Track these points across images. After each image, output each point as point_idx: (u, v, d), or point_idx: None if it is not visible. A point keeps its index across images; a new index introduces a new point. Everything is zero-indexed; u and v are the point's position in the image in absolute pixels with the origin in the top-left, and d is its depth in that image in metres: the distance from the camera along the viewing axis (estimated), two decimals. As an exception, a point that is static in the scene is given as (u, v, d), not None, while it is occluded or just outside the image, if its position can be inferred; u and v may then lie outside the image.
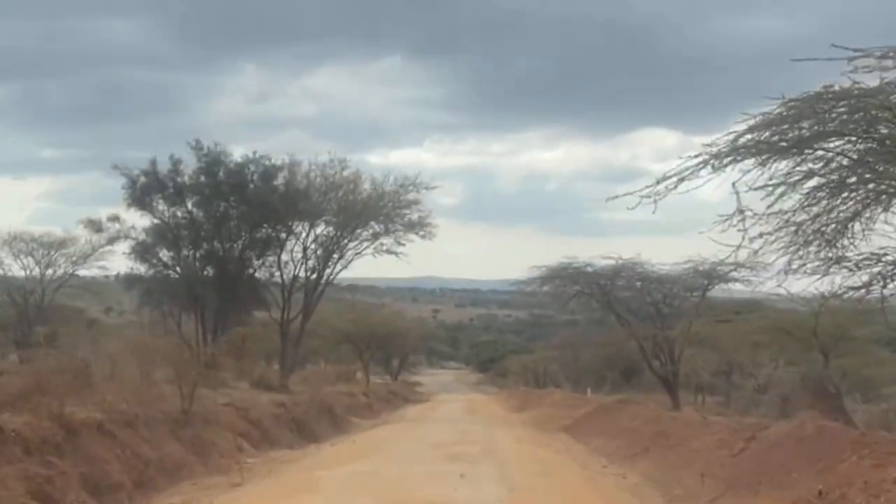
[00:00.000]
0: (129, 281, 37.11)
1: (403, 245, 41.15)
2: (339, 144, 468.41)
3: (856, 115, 13.16)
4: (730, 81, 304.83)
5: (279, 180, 36.94)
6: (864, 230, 14.72)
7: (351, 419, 40.08)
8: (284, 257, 38.79)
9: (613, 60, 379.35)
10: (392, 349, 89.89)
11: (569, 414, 39.06)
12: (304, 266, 39.57)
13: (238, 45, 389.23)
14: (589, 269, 34.81)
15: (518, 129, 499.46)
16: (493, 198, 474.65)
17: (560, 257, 35.99)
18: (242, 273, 37.11)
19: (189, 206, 35.83)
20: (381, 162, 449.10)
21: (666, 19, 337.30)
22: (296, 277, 39.57)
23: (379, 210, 39.58)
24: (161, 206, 35.63)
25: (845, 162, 13.92)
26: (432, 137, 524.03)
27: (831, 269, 15.05)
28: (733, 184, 13.94)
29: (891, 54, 12.25)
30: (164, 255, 36.29)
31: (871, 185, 13.95)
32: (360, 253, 40.79)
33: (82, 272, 47.42)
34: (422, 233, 40.75)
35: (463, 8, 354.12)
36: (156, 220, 35.86)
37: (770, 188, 14.13)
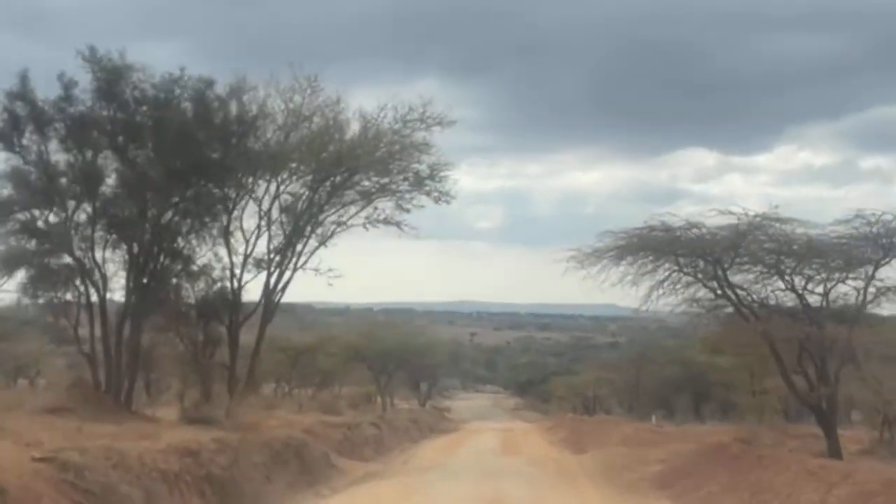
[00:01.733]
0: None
1: (408, 211, 27.77)
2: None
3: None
4: (770, 101, 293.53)
5: (221, 109, 23.50)
6: None
7: (336, 464, 27.20)
8: (232, 228, 25.40)
9: (652, 81, 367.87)
10: (419, 371, 77.33)
11: (652, 457, 26.11)
12: (264, 239, 26.27)
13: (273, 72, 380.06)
14: (694, 233, 21.25)
15: (555, 150, 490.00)
16: (530, 220, 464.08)
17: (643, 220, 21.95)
18: (168, 252, 23.96)
19: (74, 147, 22.69)
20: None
21: (705, 40, 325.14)
22: (247, 259, 26.19)
23: (371, 156, 26.04)
24: (36, 144, 22.69)
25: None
26: (469, 160, 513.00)
27: None
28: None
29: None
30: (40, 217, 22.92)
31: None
32: (344, 223, 27.54)
33: None
34: (436, 193, 27.07)
35: (499, 29, 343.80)
36: (27, 166, 22.72)
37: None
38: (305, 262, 26.85)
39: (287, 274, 26.77)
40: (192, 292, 25.48)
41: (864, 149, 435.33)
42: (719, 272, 21.64)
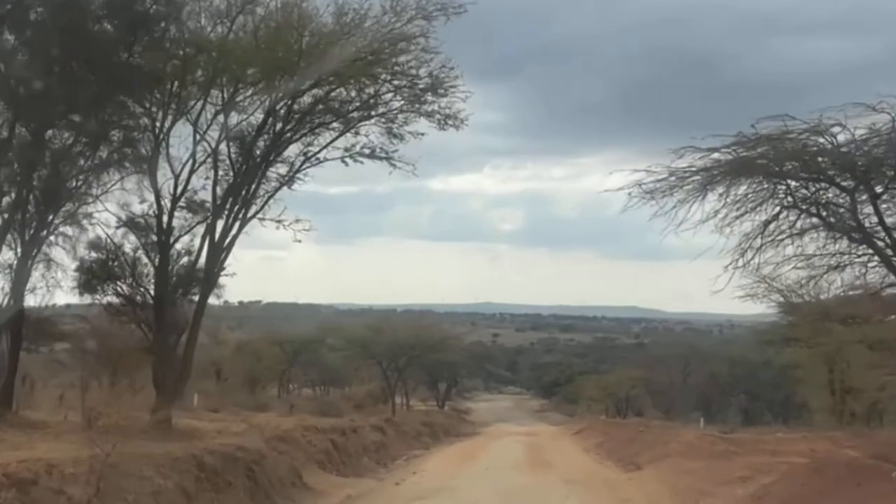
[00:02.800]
0: None
1: (401, 139, 20.07)
2: (400, 172, 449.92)
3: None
4: (790, 106, 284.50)
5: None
6: None
7: (308, 483, 20.11)
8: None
9: (676, 86, 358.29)
10: (436, 370, 70.16)
11: (735, 475, 18.67)
12: (203, 176, 18.75)
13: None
14: (823, 142, 13.47)
15: (578, 153, 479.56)
16: (553, 223, 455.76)
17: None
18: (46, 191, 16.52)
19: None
20: (443, 188, 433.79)
21: (728, 44, 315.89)
22: (177, 202, 18.48)
23: (348, 56, 18.17)
24: None
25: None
26: (492, 163, 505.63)
27: None
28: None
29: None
30: None
31: None
32: (313, 156, 19.96)
33: None
34: (439, 115, 19.33)
35: (523, 33, 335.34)
36: None
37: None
38: (261, 208, 19.40)
39: (236, 226, 19.21)
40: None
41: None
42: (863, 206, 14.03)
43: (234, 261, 19.10)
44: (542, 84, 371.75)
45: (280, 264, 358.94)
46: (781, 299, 31.26)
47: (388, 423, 40.20)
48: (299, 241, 19.78)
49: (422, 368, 64.72)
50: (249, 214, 19.21)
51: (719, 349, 60.19)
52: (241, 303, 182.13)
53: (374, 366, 53.74)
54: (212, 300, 22.74)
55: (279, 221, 19.62)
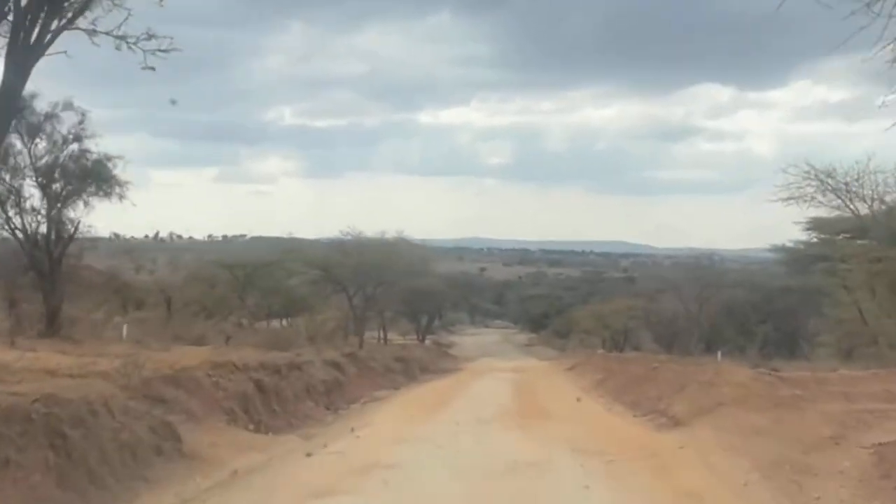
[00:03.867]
0: None
1: None
2: (388, 104, 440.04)
3: None
4: (786, 37, 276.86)
5: None
6: None
7: (192, 446, 12.85)
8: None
9: (666, 16, 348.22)
10: (417, 302, 63.60)
11: (828, 436, 11.75)
12: None
13: (284, 3, 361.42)
14: None
15: (568, 87, 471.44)
16: (542, 157, 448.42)
17: None
18: None
19: None
20: (431, 122, 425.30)
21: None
22: None
23: None
24: None
25: None
26: (479, 96, 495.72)
27: None
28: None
29: None
30: None
31: None
32: None
33: None
34: None
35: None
36: None
37: None
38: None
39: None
40: None
41: (883, 83, 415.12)
42: None
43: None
44: (530, 15, 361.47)
45: (266, 199, 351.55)
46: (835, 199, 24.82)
47: (350, 357, 33.31)
48: (152, 69, 12.54)
49: (398, 298, 58.16)
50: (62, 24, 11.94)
51: (735, 276, 53.64)
52: (224, 237, 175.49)
53: (343, 294, 46.67)
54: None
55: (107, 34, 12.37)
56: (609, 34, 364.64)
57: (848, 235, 32.78)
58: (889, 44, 9.46)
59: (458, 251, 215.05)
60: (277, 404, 20.30)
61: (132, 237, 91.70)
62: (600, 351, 50.01)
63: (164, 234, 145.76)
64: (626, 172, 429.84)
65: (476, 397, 27.01)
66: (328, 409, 23.59)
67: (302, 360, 26.16)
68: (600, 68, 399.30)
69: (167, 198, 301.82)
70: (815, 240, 35.33)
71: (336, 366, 29.50)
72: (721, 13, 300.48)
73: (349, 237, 44.34)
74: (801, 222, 33.35)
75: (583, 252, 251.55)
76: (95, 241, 31.61)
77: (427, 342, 71.11)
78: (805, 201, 29.52)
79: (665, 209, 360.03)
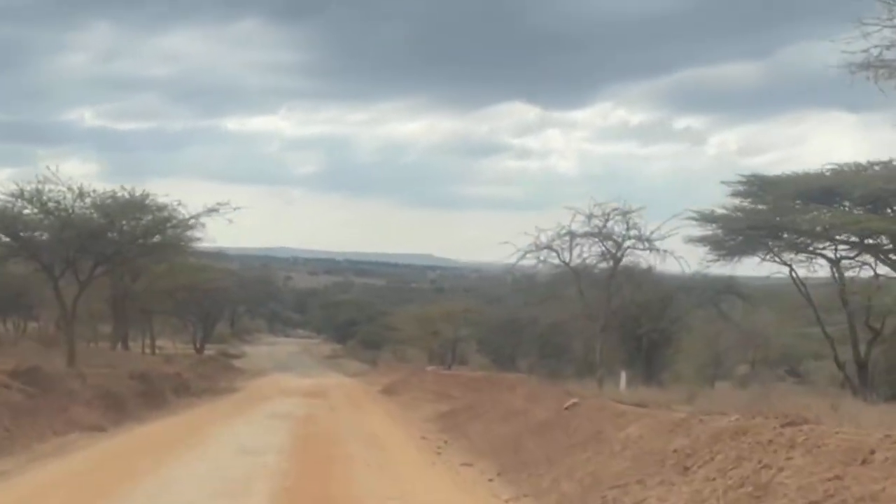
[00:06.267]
0: None
1: None
2: (195, 109, 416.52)
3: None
4: (588, 58, 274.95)
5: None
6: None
7: None
8: None
9: (477, 34, 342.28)
10: (193, 303, 49.06)
11: None
12: None
13: (89, 1, 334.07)
14: None
15: (378, 98, 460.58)
16: (351, 168, 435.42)
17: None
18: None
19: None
20: (239, 129, 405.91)
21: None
22: None
23: None
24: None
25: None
26: (289, 104, 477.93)
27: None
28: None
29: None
30: None
31: None
32: None
33: None
34: None
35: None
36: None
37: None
38: None
39: None
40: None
41: (677, 108, 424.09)
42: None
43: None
44: (342, 25, 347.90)
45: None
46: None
47: (28, 377, 18.75)
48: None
49: (161, 290, 43.26)
50: None
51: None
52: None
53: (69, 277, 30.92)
54: None
55: None
56: (421, 48, 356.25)
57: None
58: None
59: (264, 259, 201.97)
60: None
61: None
62: (431, 367, 36.52)
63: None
64: (433, 186, 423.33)
65: (212, 467, 12.75)
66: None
67: None
68: (411, 81, 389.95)
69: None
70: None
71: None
72: (530, 34, 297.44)
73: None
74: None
75: (389, 263, 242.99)
76: None
77: (211, 352, 56.37)
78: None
79: (471, 224, 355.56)
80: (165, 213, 27.02)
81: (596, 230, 26.01)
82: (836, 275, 24.64)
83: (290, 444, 15.30)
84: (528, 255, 26.56)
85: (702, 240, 26.26)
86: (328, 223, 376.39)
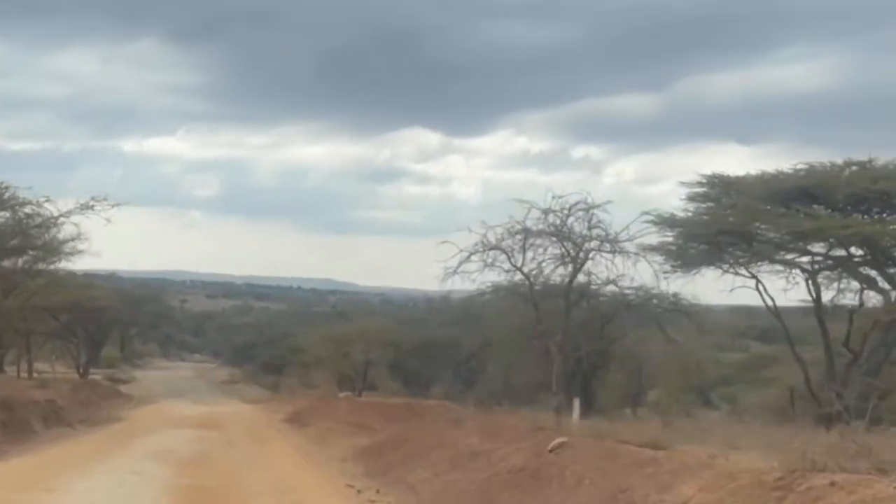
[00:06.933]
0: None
1: None
2: (90, 129, 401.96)
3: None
4: (490, 88, 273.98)
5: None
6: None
7: None
8: None
9: (379, 60, 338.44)
10: (76, 321, 44.28)
11: None
12: None
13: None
14: None
15: (279, 122, 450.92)
16: (251, 192, 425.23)
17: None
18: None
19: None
20: (136, 150, 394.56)
21: (430, 22, 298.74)
22: None
23: None
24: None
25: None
26: (188, 126, 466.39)
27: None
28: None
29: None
30: None
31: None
32: None
33: None
34: None
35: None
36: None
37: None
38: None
39: None
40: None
41: (576, 138, 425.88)
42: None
43: None
44: (243, 48, 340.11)
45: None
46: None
47: None
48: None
49: (44, 314, 38.51)
50: None
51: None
52: None
53: None
54: None
55: None
56: (323, 72, 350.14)
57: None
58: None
59: (160, 283, 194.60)
60: None
61: None
62: (344, 393, 32.26)
63: None
64: (334, 210, 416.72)
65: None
66: None
67: None
68: (313, 106, 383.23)
69: None
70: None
71: None
72: (433, 62, 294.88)
73: None
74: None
75: (290, 287, 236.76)
76: None
77: (97, 376, 51.20)
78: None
79: (372, 248, 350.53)
80: (28, 210, 22.45)
81: (553, 229, 21.95)
82: (812, 289, 21.19)
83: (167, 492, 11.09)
84: (472, 258, 22.42)
85: (657, 248, 22.58)
86: (227, 247, 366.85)
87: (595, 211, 21.99)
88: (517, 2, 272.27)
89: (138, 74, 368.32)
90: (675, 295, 26.32)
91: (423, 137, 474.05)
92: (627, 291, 25.83)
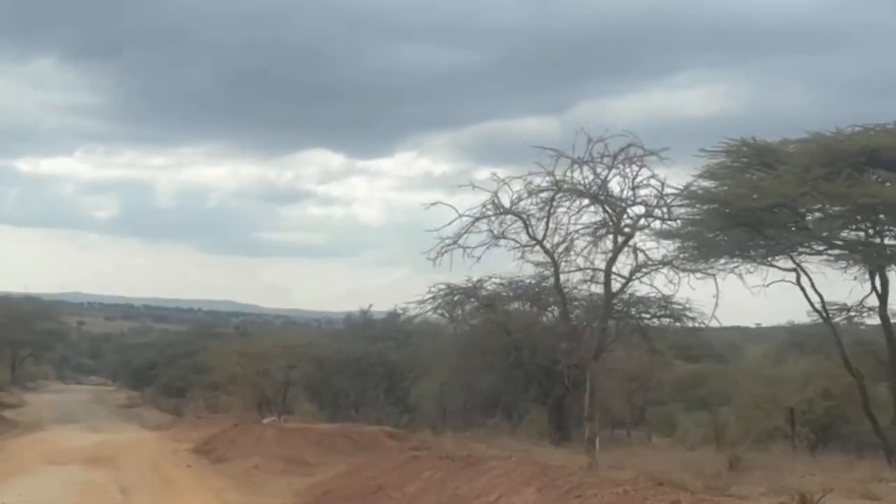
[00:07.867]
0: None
1: None
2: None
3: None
4: (392, 110, 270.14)
5: None
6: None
7: None
8: None
9: (281, 82, 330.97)
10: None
11: None
12: None
13: None
14: None
15: (179, 143, 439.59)
16: (150, 213, 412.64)
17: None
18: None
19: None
20: (31, 170, 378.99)
21: (333, 44, 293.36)
22: None
23: None
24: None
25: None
26: (84, 147, 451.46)
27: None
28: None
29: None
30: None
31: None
32: None
33: None
34: None
35: (126, 15, 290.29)
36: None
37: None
38: None
39: None
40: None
41: (479, 160, 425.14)
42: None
43: None
44: (142, 68, 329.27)
45: None
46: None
47: None
48: None
49: None
50: None
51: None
52: None
53: None
54: None
55: None
56: (224, 93, 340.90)
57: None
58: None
59: (56, 305, 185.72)
60: None
61: None
62: (269, 418, 26.88)
63: None
64: (236, 232, 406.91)
65: None
66: None
67: None
68: (213, 126, 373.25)
69: None
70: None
71: None
72: (335, 82, 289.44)
73: None
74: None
75: (190, 309, 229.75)
76: None
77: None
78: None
79: (274, 270, 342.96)
80: None
81: (588, 188, 15.58)
82: (879, 282, 16.31)
83: None
84: (476, 226, 17.03)
85: (670, 234, 16.55)
86: (126, 268, 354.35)
87: (644, 160, 15.83)
88: (420, 24, 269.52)
89: (34, 94, 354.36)
90: (667, 298, 20.97)
91: (326, 159, 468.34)
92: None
